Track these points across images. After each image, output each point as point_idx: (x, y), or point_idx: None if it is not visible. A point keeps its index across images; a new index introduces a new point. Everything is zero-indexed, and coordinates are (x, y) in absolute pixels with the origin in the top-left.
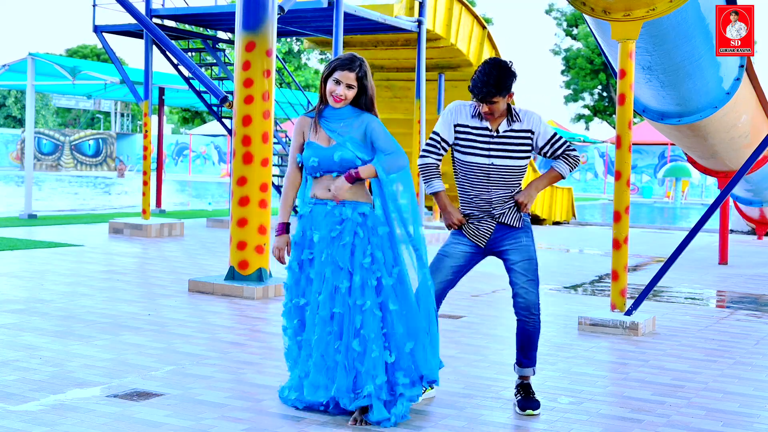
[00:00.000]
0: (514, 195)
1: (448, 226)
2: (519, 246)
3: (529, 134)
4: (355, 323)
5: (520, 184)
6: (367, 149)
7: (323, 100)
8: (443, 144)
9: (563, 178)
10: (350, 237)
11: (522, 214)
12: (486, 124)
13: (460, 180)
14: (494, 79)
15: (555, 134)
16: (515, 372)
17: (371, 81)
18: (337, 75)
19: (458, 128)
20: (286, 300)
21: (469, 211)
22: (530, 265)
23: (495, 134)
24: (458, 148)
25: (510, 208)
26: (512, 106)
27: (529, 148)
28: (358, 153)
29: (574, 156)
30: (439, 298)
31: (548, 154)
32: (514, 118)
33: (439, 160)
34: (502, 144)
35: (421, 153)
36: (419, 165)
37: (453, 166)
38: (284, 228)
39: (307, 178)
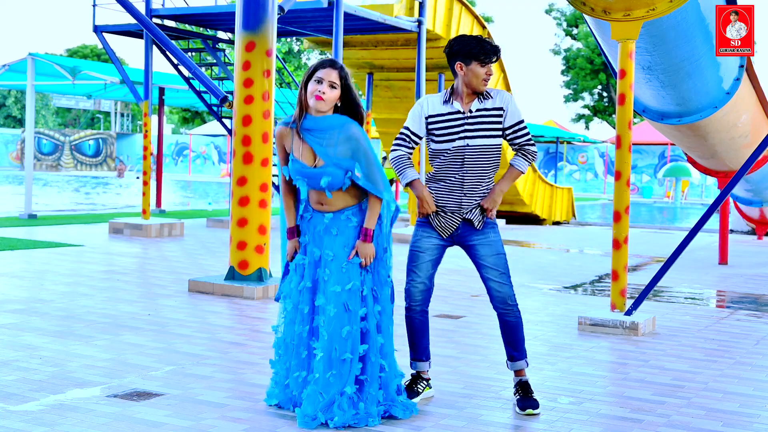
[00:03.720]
0: (481, 201)
1: (422, 214)
2: (488, 241)
3: (500, 111)
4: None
5: (495, 168)
6: (350, 162)
7: (303, 108)
8: (414, 137)
9: (522, 174)
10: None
11: (485, 218)
12: (457, 106)
13: (435, 169)
14: (489, 41)
15: (521, 121)
16: (509, 369)
17: (353, 85)
18: (319, 74)
19: (430, 119)
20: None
21: (441, 203)
22: (500, 260)
23: (468, 114)
24: (433, 138)
25: (477, 207)
26: None
27: (500, 126)
28: (347, 173)
29: (532, 152)
30: (428, 291)
31: (509, 138)
32: (485, 96)
33: (411, 153)
34: (476, 123)
35: (393, 146)
36: (391, 158)
37: (429, 160)
38: (293, 232)
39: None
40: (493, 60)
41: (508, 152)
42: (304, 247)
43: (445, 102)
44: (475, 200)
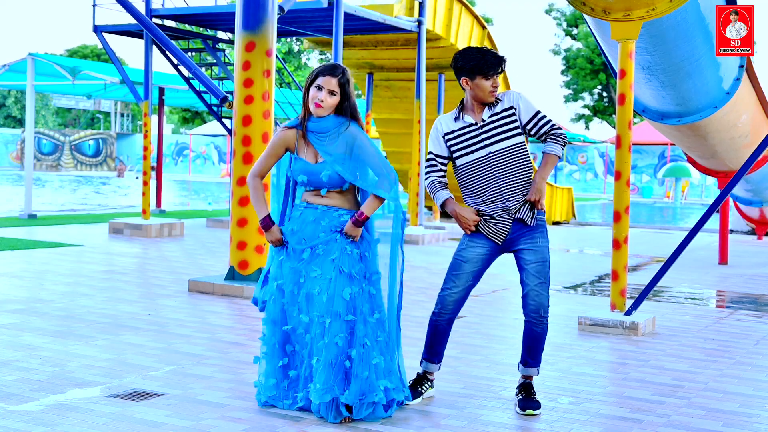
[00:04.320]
0: (526, 195)
1: (466, 229)
2: (535, 246)
3: (512, 110)
4: (358, 332)
5: (528, 165)
6: (351, 163)
7: (307, 110)
8: (440, 159)
9: (560, 158)
10: (338, 252)
11: (536, 211)
12: (468, 119)
13: (466, 185)
14: (499, 55)
15: (538, 112)
16: (519, 371)
17: (353, 90)
18: (319, 81)
19: (447, 137)
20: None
21: (483, 210)
22: (543, 268)
23: (481, 124)
24: (455, 155)
25: (524, 203)
26: None
27: (517, 124)
28: (343, 174)
29: (561, 134)
30: (462, 301)
31: (533, 133)
32: (495, 102)
33: (442, 176)
34: (491, 130)
35: (425, 175)
36: (426, 186)
37: (457, 177)
38: (270, 220)
39: (296, 188)
40: (498, 72)
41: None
42: (290, 234)
43: (456, 119)
44: (519, 198)
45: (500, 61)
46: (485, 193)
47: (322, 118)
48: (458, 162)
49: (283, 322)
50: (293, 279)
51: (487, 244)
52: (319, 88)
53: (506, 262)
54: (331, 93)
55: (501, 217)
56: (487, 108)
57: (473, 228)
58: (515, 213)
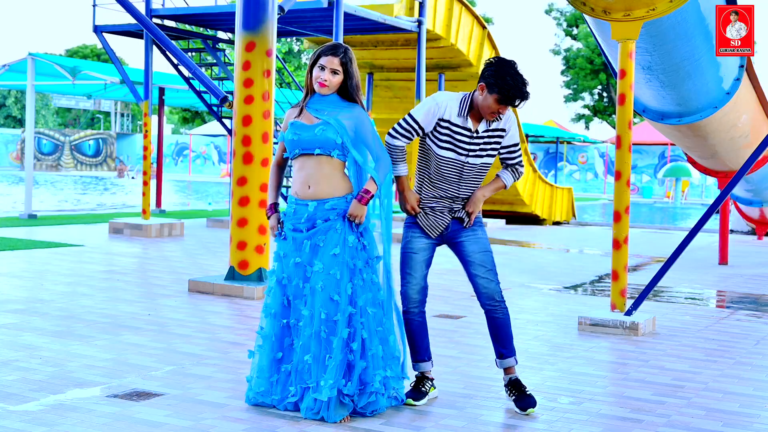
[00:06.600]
0: (464, 204)
1: (405, 210)
2: (476, 238)
3: (502, 133)
4: (356, 324)
5: (483, 179)
6: (350, 137)
7: (309, 90)
8: (418, 130)
9: (505, 188)
10: (340, 247)
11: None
12: (469, 125)
13: (430, 171)
14: (523, 90)
15: (517, 144)
16: (498, 367)
17: (356, 68)
18: (321, 61)
19: (441, 122)
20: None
21: (429, 203)
22: (487, 257)
23: (474, 135)
24: (436, 141)
25: (462, 208)
26: None
27: (500, 146)
28: (341, 135)
29: (521, 172)
30: (424, 290)
31: (502, 158)
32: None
33: (407, 144)
34: (480, 144)
35: (392, 133)
36: (388, 144)
37: (421, 153)
38: (273, 208)
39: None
40: (513, 105)
41: None
42: (288, 217)
43: (460, 115)
44: (465, 202)
45: (521, 98)
46: (442, 189)
47: (325, 97)
48: (435, 149)
49: (284, 315)
50: (299, 273)
51: (426, 234)
52: (322, 68)
53: (506, 262)
54: (334, 72)
55: (441, 213)
56: (484, 121)
57: (412, 212)
58: (455, 213)
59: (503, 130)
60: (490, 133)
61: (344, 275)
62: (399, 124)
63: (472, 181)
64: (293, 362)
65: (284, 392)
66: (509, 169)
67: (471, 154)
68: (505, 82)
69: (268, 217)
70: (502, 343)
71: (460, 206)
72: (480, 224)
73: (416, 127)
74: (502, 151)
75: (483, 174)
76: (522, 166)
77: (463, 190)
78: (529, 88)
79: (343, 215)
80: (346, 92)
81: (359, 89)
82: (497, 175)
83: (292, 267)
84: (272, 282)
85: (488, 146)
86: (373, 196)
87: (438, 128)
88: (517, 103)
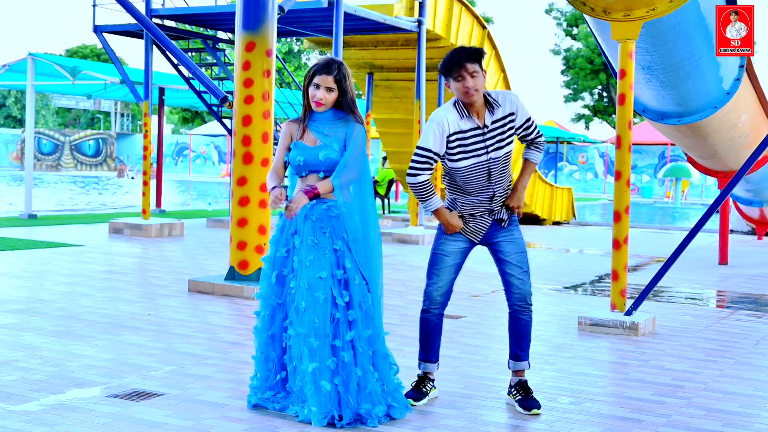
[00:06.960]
0: (506, 200)
1: (447, 231)
2: (513, 239)
3: (512, 117)
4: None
5: (509, 170)
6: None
7: (308, 107)
8: (434, 158)
9: (537, 166)
10: (340, 243)
11: (511, 215)
12: (476, 122)
13: (457, 184)
14: (464, 51)
15: (530, 117)
16: (510, 368)
17: (351, 83)
18: (316, 80)
19: (454, 137)
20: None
21: (469, 211)
22: (523, 257)
23: (485, 129)
24: (451, 157)
25: (504, 207)
26: (486, 91)
27: (514, 131)
28: (340, 152)
29: (542, 142)
30: (448, 294)
31: (521, 136)
32: (494, 105)
33: (431, 175)
34: (495, 136)
35: (411, 172)
36: (413, 183)
37: (446, 176)
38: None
39: (291, 180)
40: (462, 71)
41: None
42: (284, 245)
43: (462, 116)
44: (502, 201)
45: (461, 59)
46: (477, 195)
47: (323, 114)
48: (457, 165)
49: (276, 295)
50: (287, 264)
51: (464, 237)
52: (317, 86)
53: None
54: (329, 90)
55: (482, 217)
56: (488, 112)
57: (459, 230)
58: (495, 215)
59: (512, 113)
60: (501, 122)
61: (327, 299)
62: (414, 160)
63: (502, 174)
64: (288, 383)
65: (286, 399)
66: (532, 147)
67: (491, 148)
68: (445, 60)
69: (270, 191)
70: (521, 346)
71: (500, 204)
72: (515, 224)
73: (431, 155)
74: (519, 131)
75: (508, 163)
76: (541, 135)
77: (497, 186)
78: (468, 51)
79: (333, 233)
80: (343, 107)
81: (355, 103)
82: (524, 158)
83: (296, 264)
84: (264, 287)
85: (504, 134)
86: (318, 194)
87: (449, 145)
88: (463, 68)
